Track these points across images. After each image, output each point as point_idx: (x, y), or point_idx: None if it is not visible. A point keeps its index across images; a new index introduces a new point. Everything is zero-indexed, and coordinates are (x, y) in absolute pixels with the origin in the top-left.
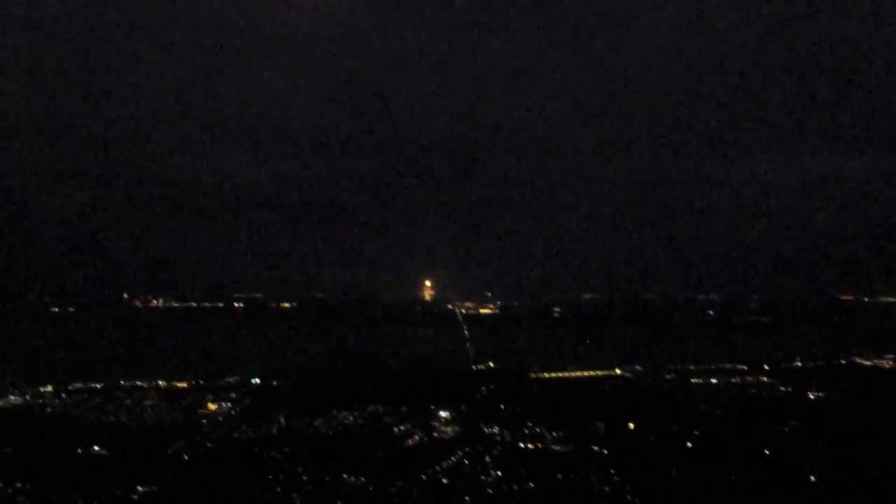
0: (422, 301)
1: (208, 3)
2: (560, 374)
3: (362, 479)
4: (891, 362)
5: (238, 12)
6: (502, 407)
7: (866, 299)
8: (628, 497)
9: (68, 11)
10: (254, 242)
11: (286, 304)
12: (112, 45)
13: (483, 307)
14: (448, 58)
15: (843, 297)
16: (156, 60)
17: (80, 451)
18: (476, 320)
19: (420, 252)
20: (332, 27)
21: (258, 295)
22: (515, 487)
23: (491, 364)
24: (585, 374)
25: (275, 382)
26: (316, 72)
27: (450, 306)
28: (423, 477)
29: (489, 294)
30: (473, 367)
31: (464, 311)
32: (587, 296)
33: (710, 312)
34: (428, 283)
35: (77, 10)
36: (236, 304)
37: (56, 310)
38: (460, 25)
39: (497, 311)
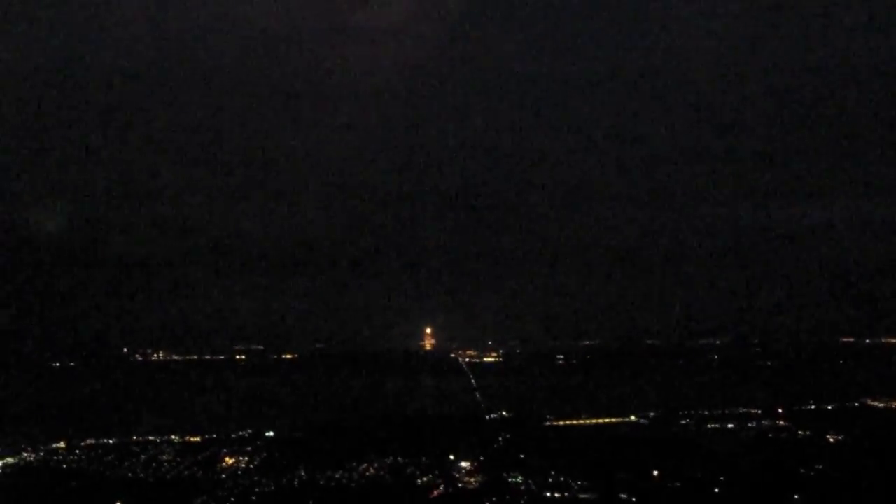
0: (423, 350)
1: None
2: (575, 422)
3: None
4: None
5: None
6: (522, 456)
7: (867, 341)
8: None
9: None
10: (247, 293)
11: (288, 356)
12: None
13: (486, 355)
14: (452, 108)
15: (844, 340)
16: (159, 115)
17: None
18: (481, 368)
19: (418, 300)
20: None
21: (258, 346)
22: None
23: (504, 413)
24: (601, 421)
25: (289, 435)
26: (315, 120)
27: (452, 355)
28: None
29: (490, 342)
30: (487, 417)
31: (468, 359)
32: (587, 342)
33: (716, 357)
34: (428, 331)
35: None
36: (238, 357)
37: (56, 364)
38: (473, 80)
39: (500, 359)
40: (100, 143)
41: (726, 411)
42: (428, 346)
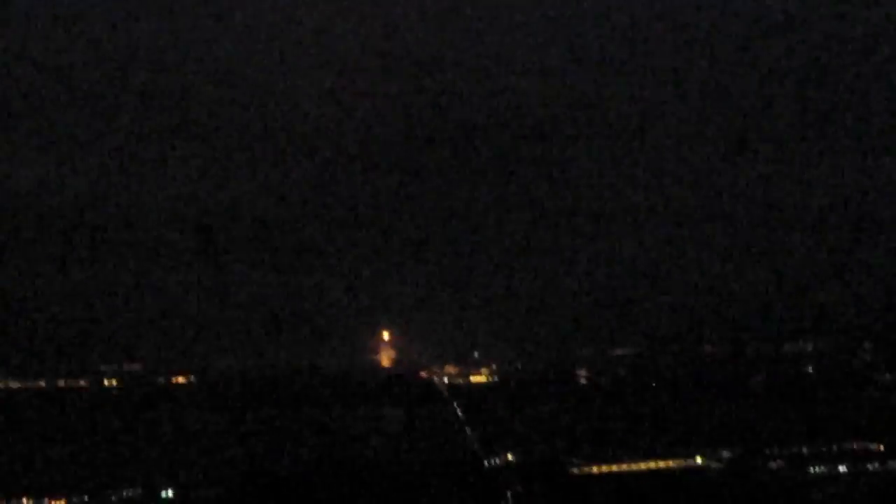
0: (380, 367)
1: None
2: (615, 468)
3: None
4: None
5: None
6: None
7: None
8: None
9: None
10: (117, 285)
11: (181, 379)
12: None
13: (474, 373)
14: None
15: None
16: None
17: None
18: (468, 393)
19: (369, 293)
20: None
21: (135, 367)
22: None
23: (510, 457)
24: (652, 465)
25: (195, 495)
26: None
27: (424, 373)
28: None
29: (477, 354)
30: (486, 463)
31: (447, 379)
32: (620, 351)
33: (810, 369)
34: (386, 338)
35: None
36: (107, 382)
37: None
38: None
39: (494, 378)
40: None
41: (833, 447)
42: (386, 361)
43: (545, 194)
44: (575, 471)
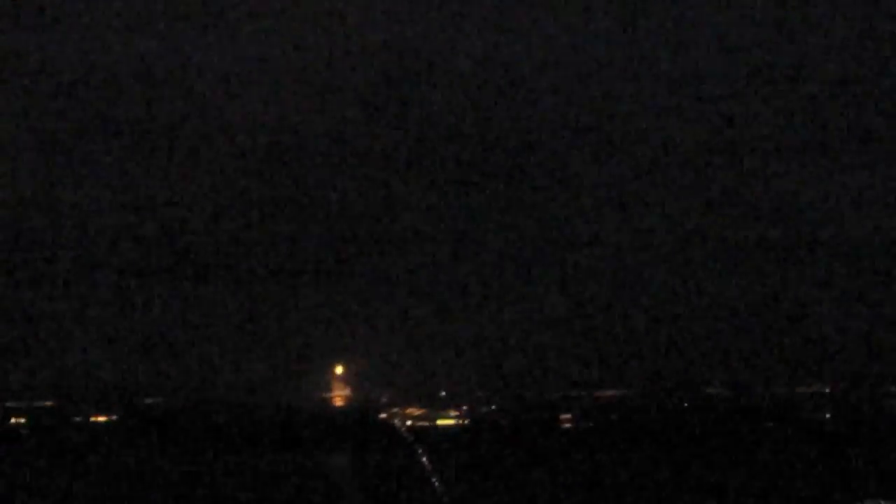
0: (332, 405)
1: None
2: None
3: None
4: None
5: None
6: None
7: None
8: None
9: None
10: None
11: (101, 418)
12: None
13: (441, 415)
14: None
15: None
16: None
17: None
18: (435, 438)
19: (320, 321)
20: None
21: (47, 403)
22: None
23: None
24: None
25: None
26: None
27: (384, 415)
28: None
29: (444, 393)
30: None
31: (410, 422)
32: (611, 392)
33: (828, 416)
34: (339, 372)
35: None
36: (13, 422)
37: None
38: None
39: (465, 420)
40: None
41: None
42: (339, 400)
43: (524, 218)
44: None
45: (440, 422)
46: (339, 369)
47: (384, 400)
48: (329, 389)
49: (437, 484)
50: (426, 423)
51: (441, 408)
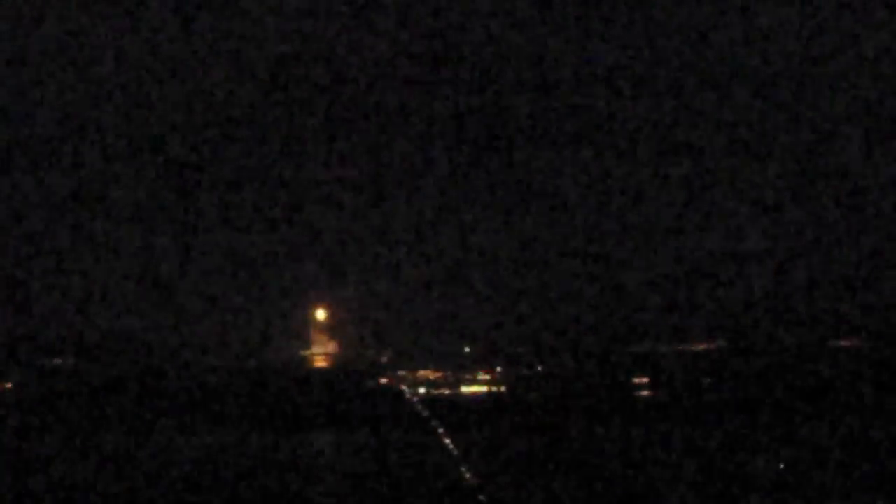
0: (314, 366)
1: None
2: None
3: None
4: None
5: None
6: None
7: None
8: None
9: None
10: None
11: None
12: None
13: (466, 380)
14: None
15: None
16: None
17: None
18: (458, 410)
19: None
20: None
21: None
22: None
23: None
24: None
25: None
26: None
27: (385, 379)
28: None
29: (468, 349)
30: None
31: (423, 389)
32: (699, 346)
33: None
34: (321, 317)
35: None
36: None
37: None
38: None
39: (499, 388)
40: None
41: None
42: (322, 361)
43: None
44: None
45: (465, 389)
46: (319, 314)
47: (385, 359)
48: (310, 343)
49: (467, 475)
50: (446, 391)
51: (462, 370)
